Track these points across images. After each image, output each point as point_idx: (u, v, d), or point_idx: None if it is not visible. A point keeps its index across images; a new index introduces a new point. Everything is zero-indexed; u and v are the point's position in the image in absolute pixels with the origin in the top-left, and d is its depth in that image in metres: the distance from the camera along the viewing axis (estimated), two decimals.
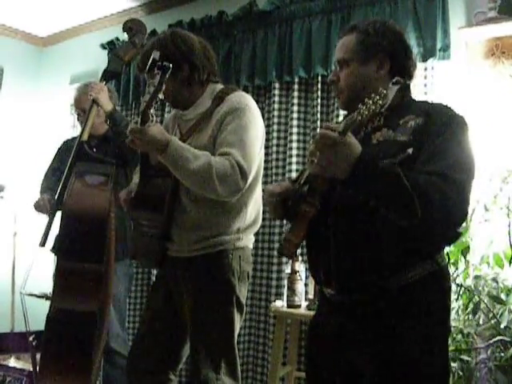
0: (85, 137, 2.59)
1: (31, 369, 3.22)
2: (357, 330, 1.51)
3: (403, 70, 1.61)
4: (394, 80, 1.36)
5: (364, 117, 1.31)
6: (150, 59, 1.82)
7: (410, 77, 1.64)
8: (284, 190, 1.65)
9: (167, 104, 3.82)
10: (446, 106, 1.54)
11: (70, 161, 2.50)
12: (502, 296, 2.33)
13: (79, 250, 2.02)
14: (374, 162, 1.35)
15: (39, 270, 3.49)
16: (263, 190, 1.77)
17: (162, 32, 2.17)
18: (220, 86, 2.13)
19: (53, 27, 4.80)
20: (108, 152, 2.79)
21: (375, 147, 1.49)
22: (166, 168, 1.93)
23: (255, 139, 2.00)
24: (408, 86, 1.63)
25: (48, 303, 2.22)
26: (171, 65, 1.78)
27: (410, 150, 1.41)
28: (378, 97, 1.29)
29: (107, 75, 2.69)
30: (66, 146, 3.12)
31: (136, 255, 2.21)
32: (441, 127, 1.43)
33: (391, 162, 1.39)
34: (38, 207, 2.87)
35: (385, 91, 1.29)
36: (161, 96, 1.83)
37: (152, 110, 1.84)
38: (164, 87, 1.81)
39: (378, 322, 1.47)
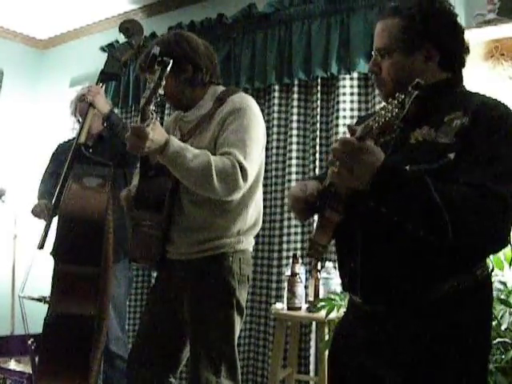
0: (82, 139, 2.58)
1: (31, 372, 3.22)
2: (381, 342, 1.39)
3: (454, 57, 1.40)
4: (414, 83, 1.16)
5: (379, 125, 1.17)
6: (150, 55, 1.84)
7: (463, 64, 1.43)
8: (310, 194, 1.44)
9: (167, 106, 3.82)
10: (499, 103, 1.33)
11: (68, 163, 2.50)
12: (503, 298, 2.32)
13: (76, 253, 2.01)
14: (399, 170, 1.22)
15: (39, 273, 3.49)
16: (287, 195, 1.68)
17: (167, 33, 2.17)
18: (221, 88, 2.14)
19: (53, 30, 4.81)
20: (104, 152, 2.79)
21: (411, 148, 1.31)
22: (165, 167, 1.92)
23: (256, 140, 2.00)
24: (456, 76, 1.43)
25: (47, 306, 2.22)
26: (171, 60, 1.79)
27: (452, 155, 1.23)
28: (395, 102, 1.15)
29: (104, 76, 2.68)
30: (61, 149, 3.13)
31: (135, 257, 2.20)
32: (489, 129, 1.25)
33: (423, 169, 1.24)
34: (36, 213, 2.87)
35: (402, 96, 1.14)
36: (161, 91, 1.83)
37: (152, 107, 1.83)
38: (164, 83, 1.81)
39: (402, 336, 1.34)
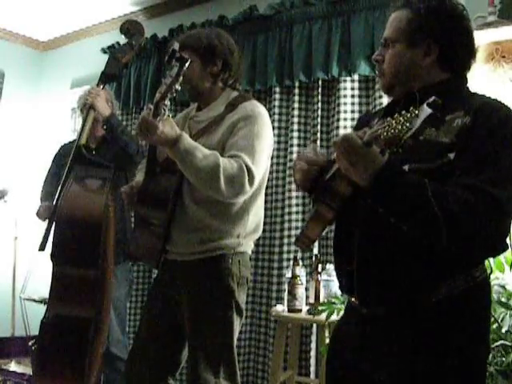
0: (83, 141, 2.58)
1: (31, 373, 3.22)
2: (378, 345, 1.38)
3: (455, 59, 1.41)
4: (430, 100, 1.14)
5: (387, 135, 1.15)
6: (170, 50, 1.84)
7: (465, 68, 1.43)
8: (321, 163, 1.44)
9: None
10: (502, 105, 1.33)
11: (68, 165, 2.50)
12: (503, 301, 2.32)
13: (73, 255, 2.01)
14: (398, 171, 1.23)
15: (39, 275, 3.49)
16: (298, 154, 1.64)
17: (210, 26, 2.21)
18: (235, 93, 2.15)
19: (53, 31, 4.81)
20: (107, 154, 2.79)
21: (412, 147, 1.27)
22: (172, 165, 1.94)
23: (265, 147, 2.02)
24: (459, 78, 1.44)
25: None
26: (190, 60, 1.83)
27: (452, 155, 1.23)
28: (408, 116, 1.13)
29: (105, 78, 2.67)
30: (63, 151, 3.13)
31: (137, 255, 2.20)
32: (489, 130, 1.25)
33: (423, 168, 1.25)
34: (40, 215, 2.89)
35: (416, 112, 1.11)
36: (178, 87, 1.85)
37: (167, 101, 1.84)
38: (181, 79, 1.83)
39: (399, 339, 1.33)
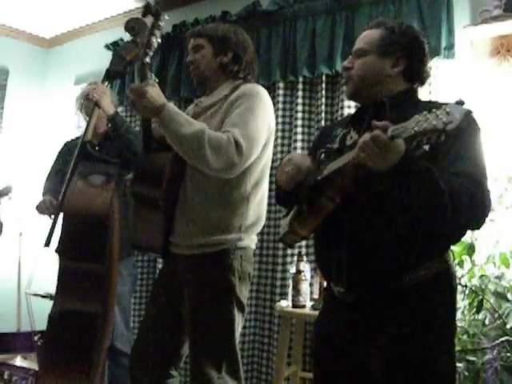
0: (88, 137, 2.59)
1: (37, 368, 3.24)
2: (364, 329, 1.52)
3: (416, 73, 1.65)
4: (458, 99, 1.27)
5: (421, 130, 1.24)
6: (144, 6, 1.98)
7: (422, 82, 1.68)
8: (307, 169, 1.61)
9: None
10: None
11: (74, 161, 2.50)
12: (509, 296, 2.32)
13: (80, 250, 2.02)
14: (416, 156, 1.38)
15: (45, 270, 3.50)
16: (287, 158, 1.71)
17: (214, 22, 2.26)
18: (241, 81, 2.15)
19: (57, 28, 4.82)
20: (110, 150, 2.80)
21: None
22: (168, 143, 1.96)
23: (261, 125, 2.00)
24: (415, 89, 1.68)
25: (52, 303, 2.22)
26: (163, 13, 1.96)
27: (427, 147, 1.40)
28: (438, 113, 1.23)
29: (109, 75, 2.68)
30: (67, 148, 3.14)
31: (139, 244, 2.20)
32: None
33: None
34: (40, 209, 2.87)
35: (448, 109, 1.21)
36: (154, 46, 1.99)
37: (147, 60, 1.96)
38: (155, 38, 1.97)
39: (386, 321, 1.49)
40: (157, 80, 2.01)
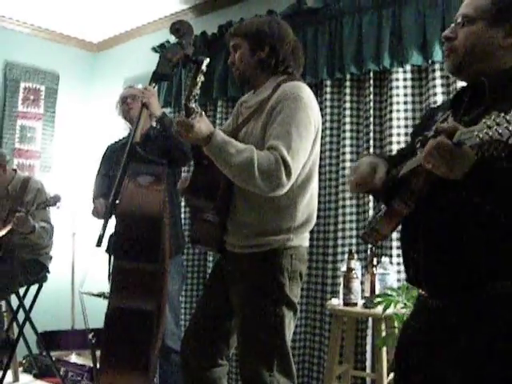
0: (137, 138, 2.64)
1: (91, 365, 3.31)
2: (446, 339, 1.35)
3: None
4: None
5: (487, 139, 1.02)
6: (183, 56, 1.98)
7: None
8: (380, 178, 1.49)
9: (219, 104, 3.85)
10: None
11: (124, 162, 2.55)
12: None
13: (135, 250, 2.05)
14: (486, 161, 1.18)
15: (97, 270, 3.58)
16: (353, 167, 1.61)
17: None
18: (284, 77, 2.13)
19: (105, 33, 4.92)
20: (153, 151, 2.85)
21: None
22: None
23: (304, 132, 1.97)
24: None
25: (106, 301, 2.27)
26: (207, 58, 1.91)
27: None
28: (507, 118, 1.01)
29: (156, 77, 2.73)
30: (111, 151, 3.22)
31: (196, 239, 2.24)
32: None
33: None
34: (96, 213, 2.96)
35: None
36: (197, 91, 1.92)
37: (192, 104, 1.90)
38: (200, 79, 1.92)
39: (469, 333, 1.31)
40: (203, 112, 1.94)
